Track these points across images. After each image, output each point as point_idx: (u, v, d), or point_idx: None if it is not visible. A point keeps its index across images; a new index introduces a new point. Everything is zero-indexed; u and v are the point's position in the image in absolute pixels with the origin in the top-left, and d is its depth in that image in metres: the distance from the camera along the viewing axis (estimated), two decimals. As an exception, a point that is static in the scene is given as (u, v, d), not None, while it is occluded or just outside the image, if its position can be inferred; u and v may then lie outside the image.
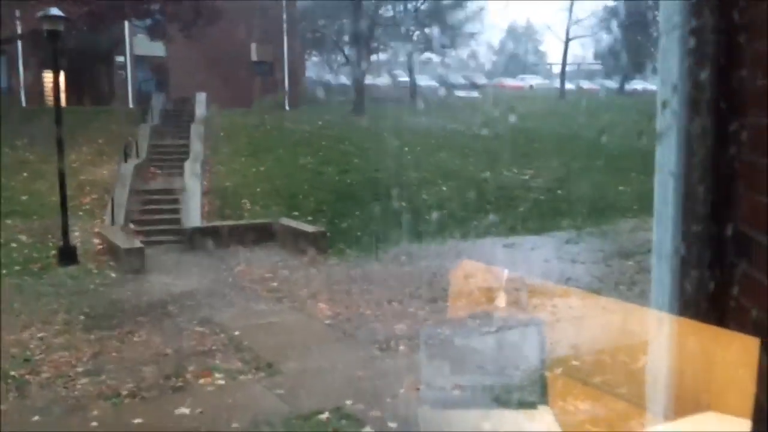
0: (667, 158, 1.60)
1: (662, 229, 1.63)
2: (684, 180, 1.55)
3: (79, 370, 7.32)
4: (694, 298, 1.57)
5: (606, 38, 42.94)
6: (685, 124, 1.55)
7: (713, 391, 1.48)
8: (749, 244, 1.40)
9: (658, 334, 1.75)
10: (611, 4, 42.03)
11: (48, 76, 24.43)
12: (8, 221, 14.31)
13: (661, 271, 1.65)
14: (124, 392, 6.60)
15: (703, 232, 1.54)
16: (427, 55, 41.10)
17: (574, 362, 5.92)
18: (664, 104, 1.62)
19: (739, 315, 1.46)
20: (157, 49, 28.08)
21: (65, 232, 12.80)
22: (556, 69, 48.90)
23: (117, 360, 7.60)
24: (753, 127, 1.43)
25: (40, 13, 13.33)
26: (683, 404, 1.58)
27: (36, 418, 6.14)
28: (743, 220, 1.44)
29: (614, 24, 40.88)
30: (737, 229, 1.47)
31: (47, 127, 14.93)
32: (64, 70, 23.75)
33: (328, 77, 43.07)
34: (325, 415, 5.80)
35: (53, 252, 12.86)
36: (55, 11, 12.93)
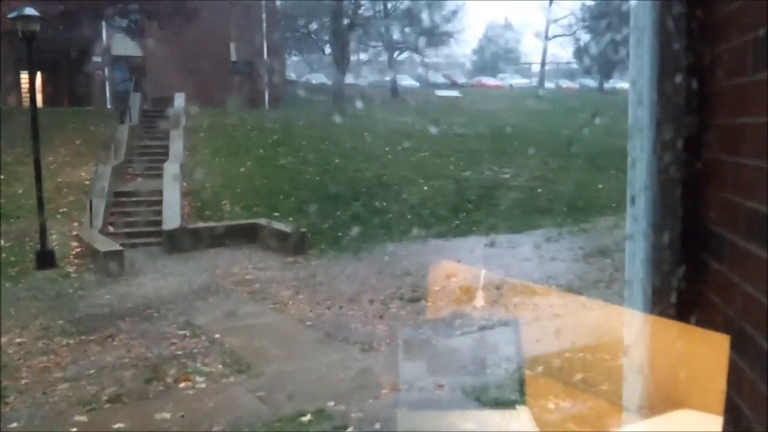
0: (638, 158, 1.62)
1: (632, 214, 1.65)
2: (657, 174, 1.57)
3: (59, 375, 7.24)
4: (667, 296, 1.59)
5: (585, 37, 43.29)
6: (656, 125, 1.56)
7: (686, 388, 1.50)
8: (721, 243, 1.41)
9: (632, 333, 1.77)
10: (589, 3, 42.38)
11: (24, 77, 24.15)
12: (-16, 225, 14.12)
13: (634, 271, 1.67)
14: (104, 397, 6.53)
15: (675, 232, 1.56)
16: (407, 54, 41.19)
17: (552, 360, 5.96)
18: (636, 97, 1.64)
19: (710, 313, 1.48)
20: (135, 49, 27.86)
21: (43, 236, 12.64)
22: (536, 68, 49.20)
23: (97, 365, 7.52)
24: (721, 128, 1.45)
25: (14, 14, 13.15)
26: (657, 401, 1.60)
27: (14, 424, 6.06)
28: (715, 219, 1.46)
29: (592, 23, 41.22)
30: (709, 228, 1.49)
31: (24, 128, 14.73)
32: (40, 71, 23.48)
33: (308, 77, 43.00)
34: (307, 417, 5.78)
35: (31, 255, 12.70)
36: (29, 11, 12.76)
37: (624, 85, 38.73)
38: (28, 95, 18.76)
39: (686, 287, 1.56)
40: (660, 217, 1.58)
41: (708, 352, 1.46)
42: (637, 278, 1.65)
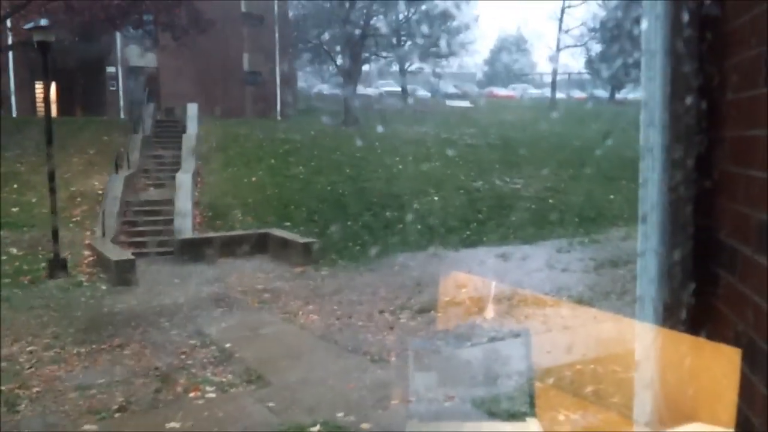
0: (651, 171, 1.61)
1: (647, 242, 1.65)
2: (668, 192, 1.56)
3: (70, 384, 7.27)
4: (678, 309, 1.58)
5: (596, 48, 43.22)
6: (667, 135, 1.56)
7: (697, 402, 1.49)
8: (733, 255, 1.40)
9: (643, 346, 1.76)
10: (600, 14, 42.32)
11: (39, 87, 24.40)
12: (-2, 233, 14.24)
13: (646, 283, 1.66)
14: (115, 406, 6.55)
15: (687, 244, 1.55)
16: (419, 64, 41.26)
17: (563, 372, 5.92)
18: (648, 118, 1.63)
19: (721, 326, 1.47)
20: (148, 59, 28.09)
21: (55, 244, 12.73)
22: (547, 78, 49.18)
23: (107, 374, 7.54)
24: (733, 140, 1.45)
25: (30, 24, 13.31)
26: (668, 414, 1.59)
27: (25, 432, 6.09)
28: (726, 232, 1.45)
29: (603, 34, 41.16)
30: (720, 241, 1.48)
31: (38, 137, 14.90)
32: (55, 81, 23.74)
33: (320, 87, 43.16)
34: (316, 428, 5.77)
35: (43, 264, 12.78)
36: (45, 22, 12.92)
37: (635, 96, 38.63)
38: (42, 105, 18.95)
39: (697, 300, 1.55)
40: (671, 233, 1.57)
41: (719, 365, 1.45)
42: (649, 292, 1.64)
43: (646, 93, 1.60)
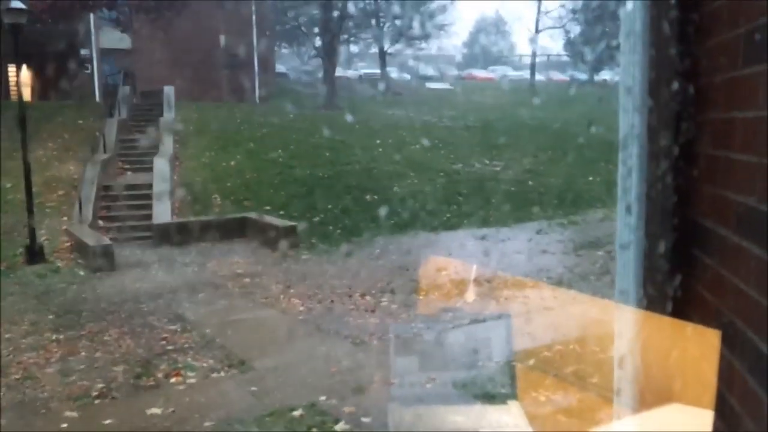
0: (629, 154, 1.61)
1: (625, 224, 1.65)
2: (647, 175, 1.56)
3: (48, 370, 7.20)
4: (658, 291, 1.59)
5: (575, 29, 43.29)
6: (647, 121, 1.56)
7: (677, 383, 1.50)
8: (712, 238, 1.41)
9: (623, 327, 1.77)
10: (579, -5, 42.33)
11: (11, 70, 23.93)
12: (-28, 220, 14.00)
13: (625, 265, 1.67)
14: (94, 393, 6.51)
15: (666, 226, 1.55)
16: (398, 46, 41.07)
17: (543, 353, 5.98)
18: (629, 104, 1.63)
19: (701, 308, 1.48)
20: (123, 42, 27.64)
21: (32, 230, 12.56)
22: (526, 60, 49.25)
23: (86, 360, 7.49)
24: (714, 123, 1.45)
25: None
26: (648, 395, 1.60)
27: (3, 421, 6.03)
28: (707, 216, 1.46)
29: (582, 15, 41.22)
30: (701, 225, 1.48)
31: (11, 121, 14.61)
32: (28, 64, 23.24)
33: (299, 70, 42.86)
34: (298, 412, 5.78)
35: (20, 250, 12.61)
36: (16, 3, 12.64)
37: (614, 77, 38.78)
38: (15, 89, 18.61)
39: (678, 284, 1.56)
40: (654, 219, 1.57)
41: (699, 347, 1.46)
42: (628, 273, 1.64)
43: (627, 78, 1.59)
